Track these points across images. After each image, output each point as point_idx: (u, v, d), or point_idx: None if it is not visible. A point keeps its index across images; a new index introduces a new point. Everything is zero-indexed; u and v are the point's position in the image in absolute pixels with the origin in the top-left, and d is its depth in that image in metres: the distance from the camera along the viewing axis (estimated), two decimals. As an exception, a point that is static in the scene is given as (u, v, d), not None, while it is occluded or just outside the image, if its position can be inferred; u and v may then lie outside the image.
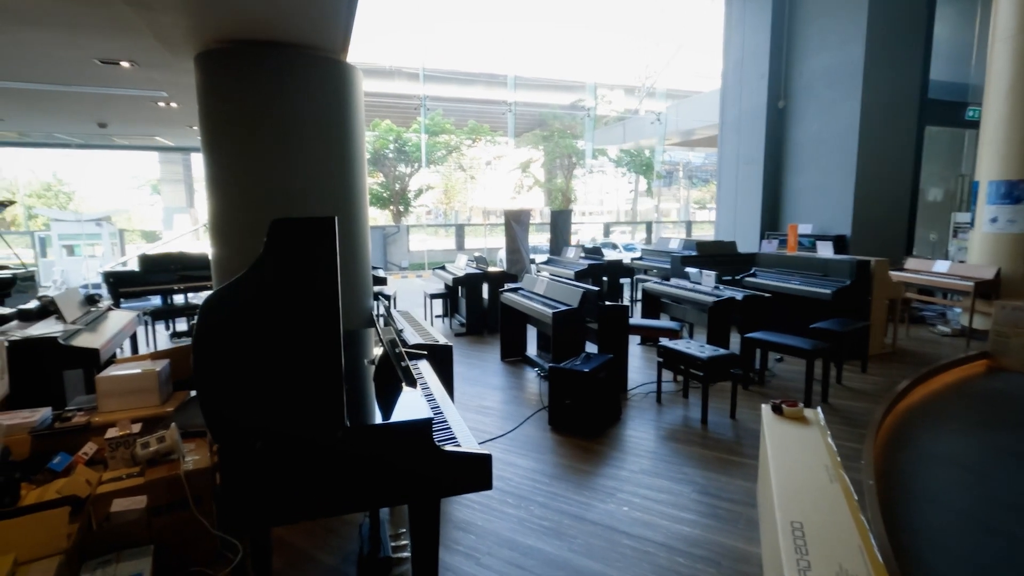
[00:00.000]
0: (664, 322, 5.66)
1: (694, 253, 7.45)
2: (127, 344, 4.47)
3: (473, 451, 1.71)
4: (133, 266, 6.91)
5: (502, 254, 14.48)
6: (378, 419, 1.66)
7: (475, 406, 4.27)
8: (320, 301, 1.95)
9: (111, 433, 2.61)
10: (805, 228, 8.08)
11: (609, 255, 9.48)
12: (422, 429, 1.65)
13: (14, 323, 3.72)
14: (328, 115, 3.16)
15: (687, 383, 4.49)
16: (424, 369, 2.69)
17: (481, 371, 5.24)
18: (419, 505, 1.69)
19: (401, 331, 3.63)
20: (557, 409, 3.80)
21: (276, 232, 2.47)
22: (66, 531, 2.00)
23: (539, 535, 2.56)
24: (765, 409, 2.76)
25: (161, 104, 5.27)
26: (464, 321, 7.00)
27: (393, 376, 2.09)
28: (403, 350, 2.77)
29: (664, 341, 4.35)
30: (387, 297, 6.82)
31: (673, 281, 5.98)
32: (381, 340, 2.48)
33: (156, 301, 7.62)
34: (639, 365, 5.34)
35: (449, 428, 1.92)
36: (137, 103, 5.15)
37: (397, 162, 22.97)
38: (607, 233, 21.23)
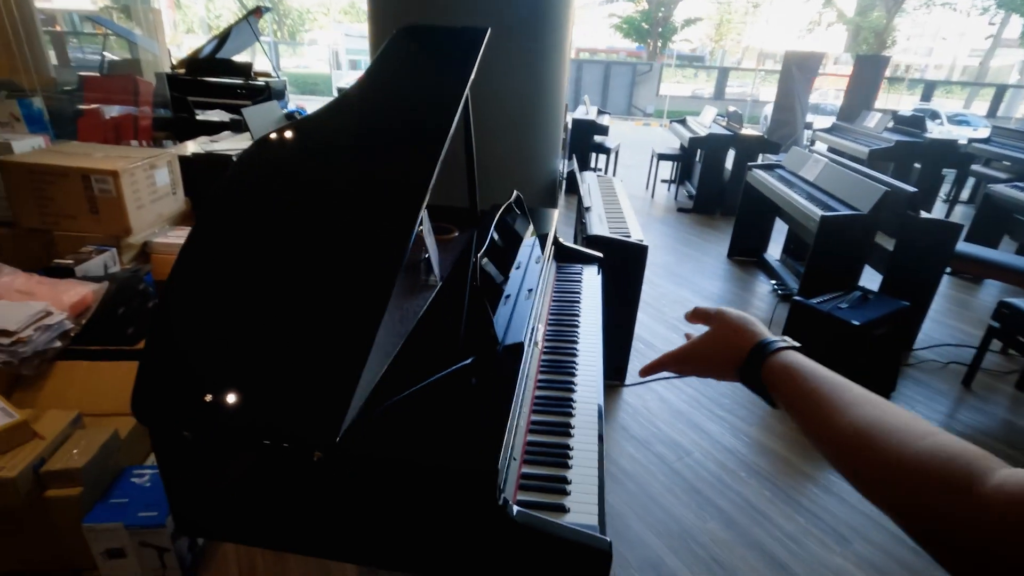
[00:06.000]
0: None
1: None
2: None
3: (579, 531, 0.84)
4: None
5: (768, 111, 11.61)
6: (393, 445, 0.87)
7: (671, 318, 3.26)
8: (411, 163, 1.14)
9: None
10: None
11: (931, 130, 6.62)
12: (478, 485, 0.82)
13: (226, 133, 3.76)
14: None
15: (1032, 367, 2.77)
16: (586, 288, 1.78)
17: (697, 267, 4.08)
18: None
19: (588, 209, 2.69)
20: (789, 360, 2.60)
21: (400, 40, 1.65)
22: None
23: (704, 567, 1.68)
24: None
25: None
26: (693, 194, 5.64)
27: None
28: (563, 246, 1.89)
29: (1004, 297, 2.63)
30: (606, 151, 5.74)
31: (1051, 189, 3.71)
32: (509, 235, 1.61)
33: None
34: (940, 309, 3.58)
35: (565, 450, 1.06)
36: None
37: (664, -16, 19.67)
38: (927, 96, 15.63)
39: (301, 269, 1.01)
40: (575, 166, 3.47)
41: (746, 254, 4.26)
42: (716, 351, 0.65)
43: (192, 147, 3.11)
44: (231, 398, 0.86)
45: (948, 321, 3.43)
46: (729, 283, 3.86)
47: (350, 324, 0.92)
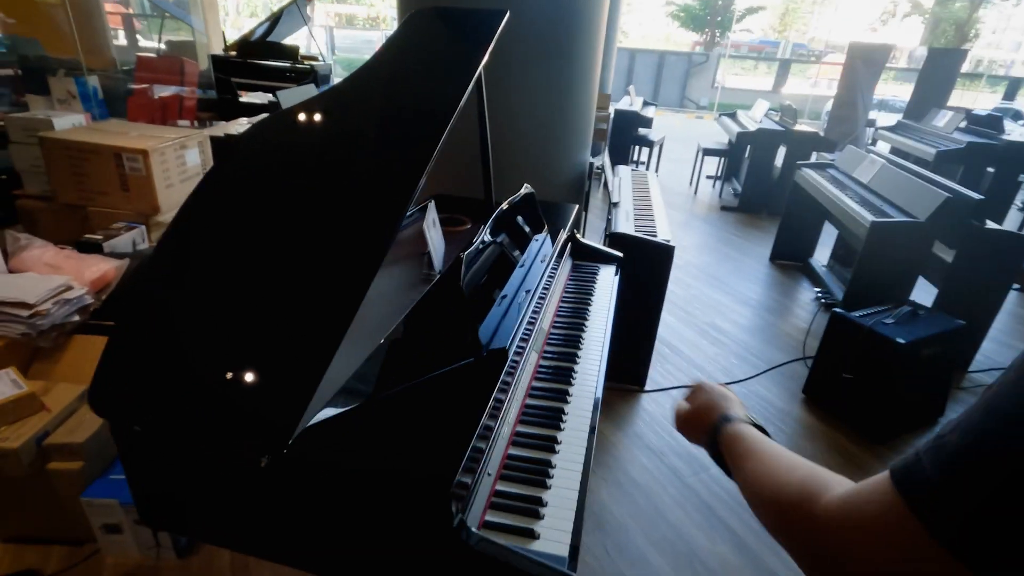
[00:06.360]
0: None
1: None
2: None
3: (542, 564, 0.77)
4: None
5: (829, 107, 11.01)
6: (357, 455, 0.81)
7: (704, 324, 3.10)
8: (405, 161, 1.07)
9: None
10: None
11: (1010, 131, 6.07)
12: (428, 507, 0.75)
13: (264, 115, 3.80)
14: None
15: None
16: (600, 290, 1.69)
17: (736, 269, 3.89)
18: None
19: (616, 205, 2.57)
20: (824, 376, 2.43)
21: (415, 23, 1.59)
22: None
23: (711, 598, 1.58)
24: None
25: None
26: (739, 192, 5.38)
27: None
28: (580, 243, 1.80)
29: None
30: (648, 144, 5.55)
31: None
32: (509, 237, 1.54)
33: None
34: (1004, 328, 3.28)
35: (547, 468, 0.98)
36: None
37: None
38: (1011, 94, 14.44)
39: (271, 265, 0.96)
40: (606, 159, 3.34)
41: (790, 258, 4.02)
42: (696, 423, 0.74)
43: (232, 128, 3.15)
44: (185, 396, 0.82)
45: (1012, 342, 3.13)
46: (769, 288, 3.65)
47: (316, 328, 0.87)
